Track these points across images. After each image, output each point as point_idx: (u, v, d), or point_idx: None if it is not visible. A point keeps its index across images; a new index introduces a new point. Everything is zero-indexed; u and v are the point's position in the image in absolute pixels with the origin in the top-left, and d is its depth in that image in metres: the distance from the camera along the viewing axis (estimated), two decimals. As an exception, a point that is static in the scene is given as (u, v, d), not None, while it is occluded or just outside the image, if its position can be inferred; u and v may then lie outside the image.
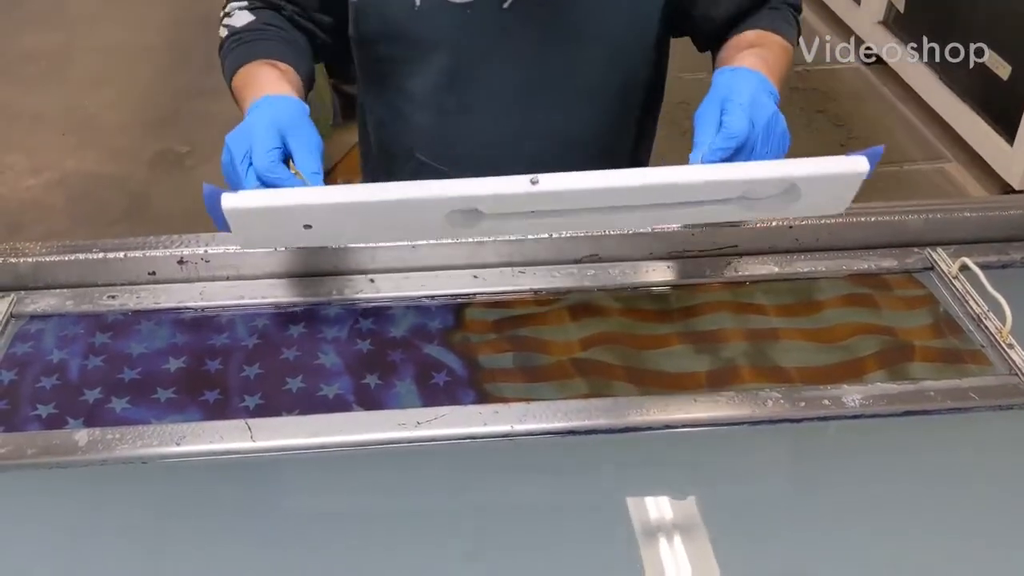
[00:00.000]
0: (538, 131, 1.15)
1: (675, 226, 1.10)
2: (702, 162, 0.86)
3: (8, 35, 4.03)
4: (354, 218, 0.85)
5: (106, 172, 3.17)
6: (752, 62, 0.97)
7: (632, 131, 1.22)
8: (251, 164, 0.86)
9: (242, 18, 1.09)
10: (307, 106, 0.93)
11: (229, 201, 0.81)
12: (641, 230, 1.10)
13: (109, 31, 4.06)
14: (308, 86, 1.08)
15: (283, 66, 1.03)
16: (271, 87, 0.97)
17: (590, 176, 0.80)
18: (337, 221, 0.85)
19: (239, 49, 1.06)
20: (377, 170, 1.30)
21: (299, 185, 0.86)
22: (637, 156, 1.27)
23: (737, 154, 0.87)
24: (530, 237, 1.08)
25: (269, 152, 0.86)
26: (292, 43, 1.08)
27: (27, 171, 3.18)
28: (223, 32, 1.10)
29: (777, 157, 0.89)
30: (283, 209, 0.81)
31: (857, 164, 0.82)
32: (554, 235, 1.09)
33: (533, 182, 0.79)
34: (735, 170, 0.82)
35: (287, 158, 0.88)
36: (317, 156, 0.89)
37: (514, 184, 0.79)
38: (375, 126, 1.26)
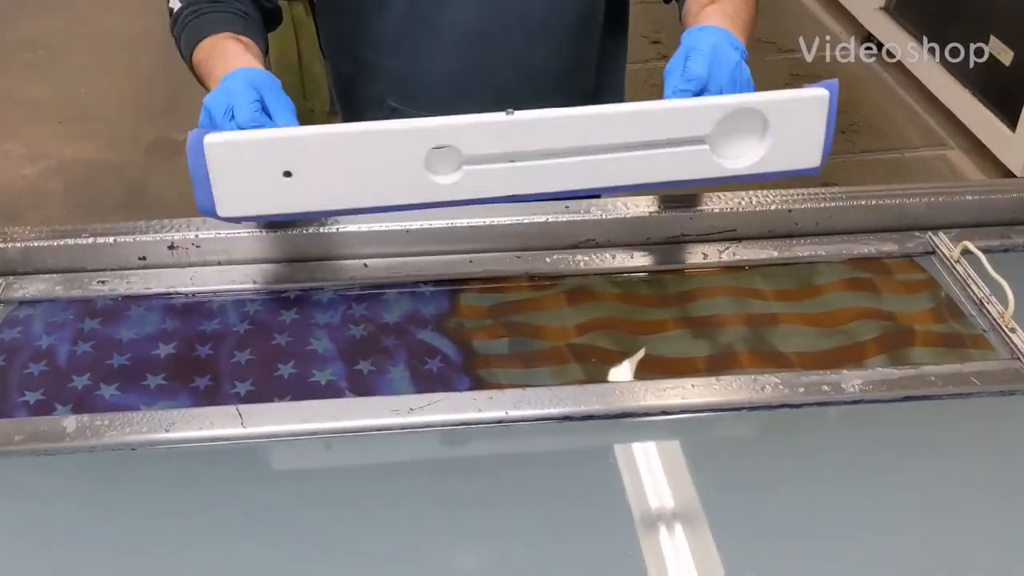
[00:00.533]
0: (500, 68, 1.19)
1: (672, 211, 1.09)
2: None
3: (6, 22, 4.01)
4: (334, 162, 0.87)
5: (103, 160, 3.15)
6: (717, 20, 1.00)
7: (593, 65, 1.26)
8: (233, 118, 0.88)
9: None
10: (278, 80, 0.95)
11: (212, 137, 0.84)
12: (638, 214, 1.09)
13: (107, 18, 4.03)
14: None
15: (245, 40, 1.03)
16: (240, 60, 0.97)
17: (563, 109, 0.88)
18: (317, 166, 0.87)
19: (196, 22, 1.04)
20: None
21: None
22: (603, 89, 1.31)
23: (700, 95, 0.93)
24: (525, 220, 1.07)
25: (251, 104, 0.88)
26: (248, 17, 1.07)
27: (24, 159, 3.16)
28: (175, 3, 1.07)
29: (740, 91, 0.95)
30: (264, 143, 0.85)
31: (818, 92, 0.91)
32: (550, 219, 1.08)
33: (508, 113, 0.86)
34: (701, 100, 0.90)
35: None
36: (295, 119, 0.91)
37: (490, 116, 0.86)
38: (344, 83, 1.29)
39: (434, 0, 1.15)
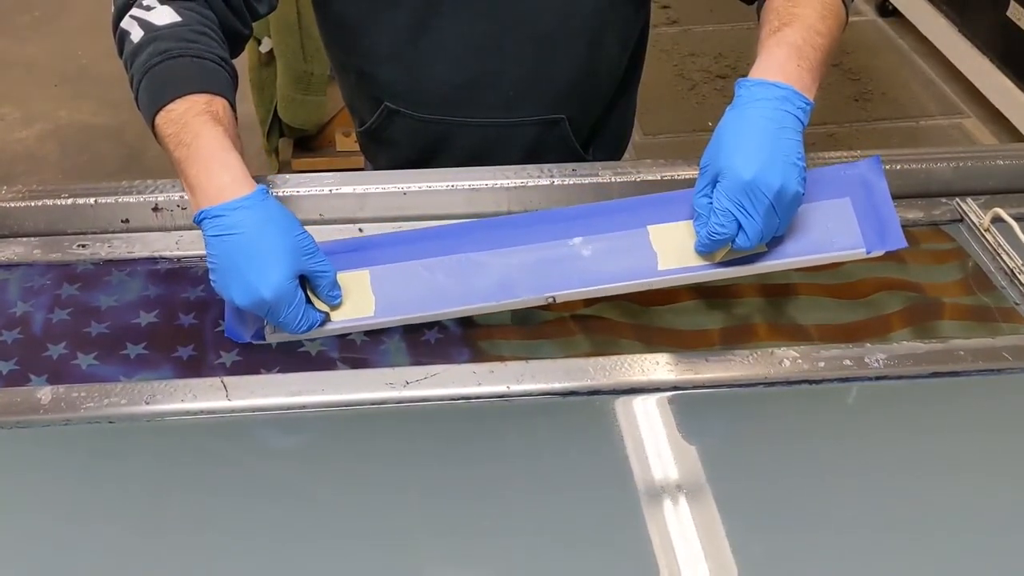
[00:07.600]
0: (508, 77, 1.13)
1: (685, 175, 1.04)
2: (697, 248, 0.88)
3: (0, -17, 3.96)
4: None
5: (100, 123, 3.12)
6: (778, 59, 0.86)
7: (604, 72, 1.19)
8: (280, 320, 0.85)
9: (164, 15, 0.91)
10: (266, 192, 0.85)
11: (265, 341, 0.89)
12: (650, 178, 1.04)
13: (104, -21, 3.98)
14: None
15: (220, 107, 0.88)
16: (222, 170, 0.84)
17: (603, 288, 0.88)
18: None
19: (161, 68, 0.89)
20: (355, 113, 1.28)
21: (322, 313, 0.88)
22: (617, 93, 1.24)
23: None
24: (530, 183, 1.03)
25: (301, 316, 0.85)
26: (221, 67, 0.92)
27: (19, 122, 3.13)
28: (136, 31, 0.91)
29: (783, 222, 0.85)
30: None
31: (856, 252, 0.87)
32: (556, 182, 1.03)
33: (550, 300, 0.88)
34: (736, 270, 0.88)
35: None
36: (319, 258, 0.87)
37: (533, 300, 0.88)
38: (342, 78, 1.25)
39: (438, 13, 1.08)
